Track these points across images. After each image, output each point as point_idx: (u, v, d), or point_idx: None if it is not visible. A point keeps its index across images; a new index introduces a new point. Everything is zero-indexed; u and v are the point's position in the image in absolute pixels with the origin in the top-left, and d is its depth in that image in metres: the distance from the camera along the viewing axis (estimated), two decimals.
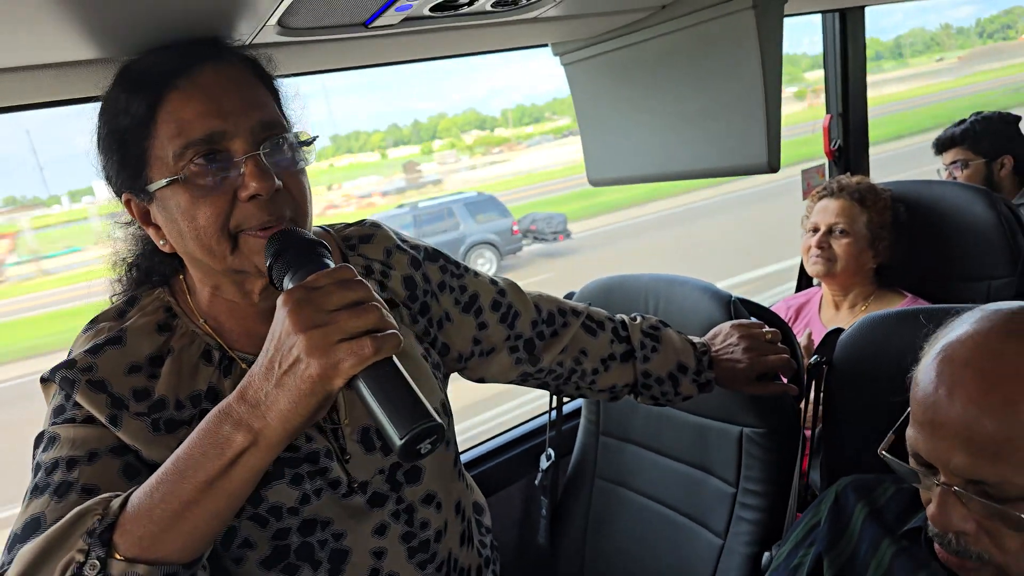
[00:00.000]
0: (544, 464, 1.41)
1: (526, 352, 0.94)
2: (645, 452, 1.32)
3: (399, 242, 0.86)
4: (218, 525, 0.59)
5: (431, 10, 0.85)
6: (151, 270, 0.75)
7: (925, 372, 0.67)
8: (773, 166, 1.10)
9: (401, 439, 0.54)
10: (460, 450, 1.55)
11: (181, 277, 0.75)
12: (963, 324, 0.67)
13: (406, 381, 0.56)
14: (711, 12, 1.07)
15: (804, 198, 1.82)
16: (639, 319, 1.03)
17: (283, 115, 0.70)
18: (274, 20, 0.72)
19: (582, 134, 1.40)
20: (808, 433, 1.07)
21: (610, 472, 1.37)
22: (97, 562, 0.55)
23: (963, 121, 2.10)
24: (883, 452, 0.71)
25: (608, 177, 1.41)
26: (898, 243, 1.55)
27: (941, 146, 2.12)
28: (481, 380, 0.98)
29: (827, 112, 2.07)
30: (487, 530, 0.96)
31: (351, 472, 0.75)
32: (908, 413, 0.70)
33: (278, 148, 0.66)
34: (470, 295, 0.90)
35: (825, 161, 2.08)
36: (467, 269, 0.92)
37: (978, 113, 2.11)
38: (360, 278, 0.59)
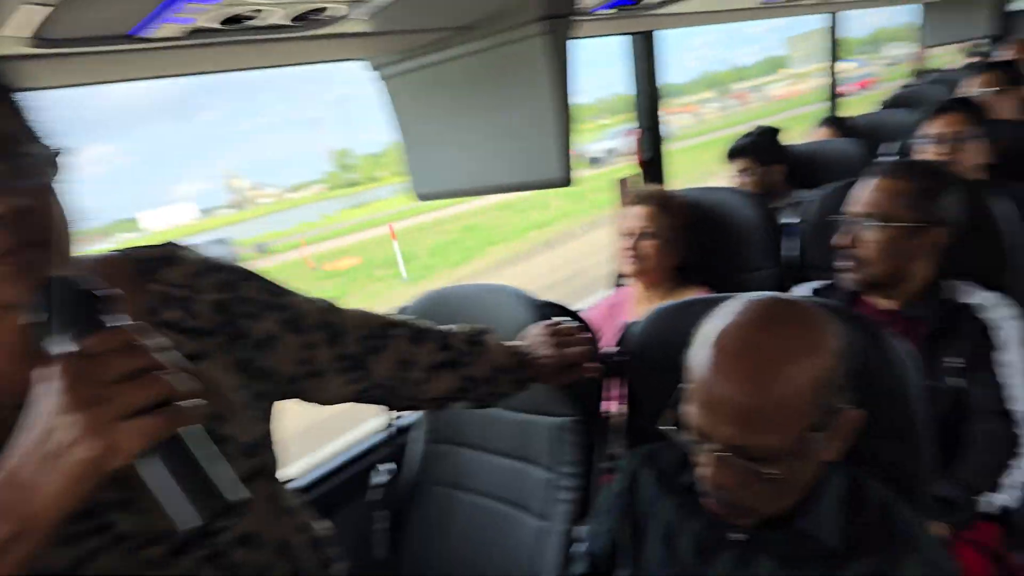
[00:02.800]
0: (381, 479, 1.43)
1: (357, 370, 0.93)
2: (475, 453, 1.39)
3: (207, 264, 0.80)
4: None
5: (223, 23, 0.84)
6: None
7: (700, 356, 0.79)
8: (566, 181, 1.21)
9: (186, 527, 0.50)
10: (291, 477, 1.53)
11: None
12: (727, 314, 0.80)
13: (195, 461, 0.52)
14: (505, 36, 1.16)
15: (621, 205, 2.00)
16: (461, 327, 1.08)
17: (26, 129, 0.61)
18: (27, 32, 0.67)
19: (405, 148, 1.44)
20: (610, 417, 1.20)
21: (444, 477, 1.43)
22: None
23: (749, 134, 2.40)
24: (664, 427, 0.83)
25: (431, 191, 1.47)
26: (692, 243, 1.76)
27: (732, 155, 2.40)
28: (319, 403, 0.94)
29: (638, 127, 2.29)
30: (331, 561, 0.92)
31: (145, 523, 0.65)
32: (682, 391, 0.82)
33: (17, 166, 0.58)
34: (294, 314, 0.86)
35: (638, 172, 2.30)
36: (286, 288, 0.88)
37: (759, 127, 2.42)
38: (143, 342, 0.52)
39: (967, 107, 1.96)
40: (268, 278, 0.87)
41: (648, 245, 1.71)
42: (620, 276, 2.07)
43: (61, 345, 0.52)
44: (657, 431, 1.07)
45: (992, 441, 1.26)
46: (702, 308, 0.92)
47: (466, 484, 1.40)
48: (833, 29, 3.33)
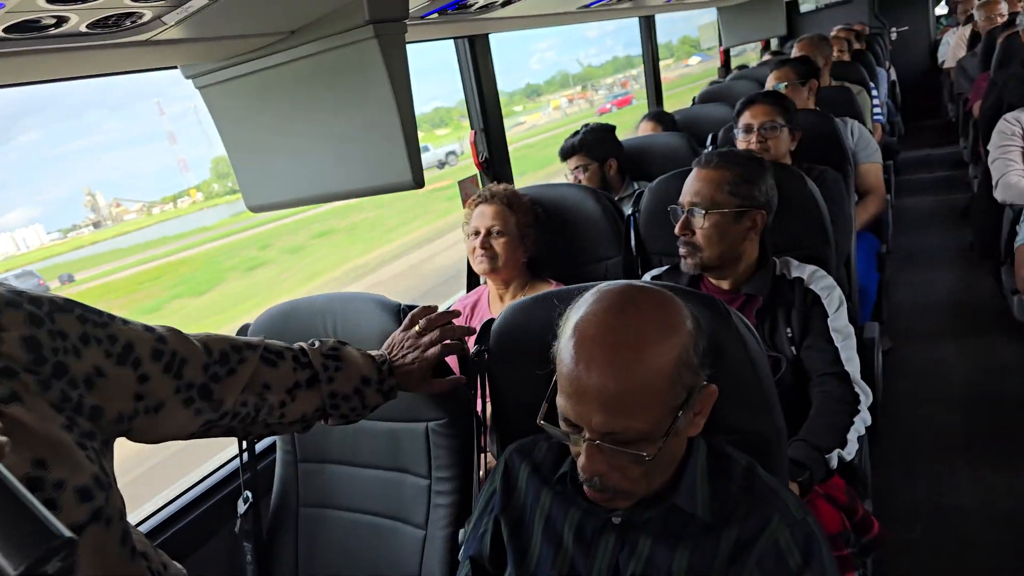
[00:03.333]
0: (242, 508, 1.32)
1: (203, 400, 0.86)
2: (345, 468, 1.33)
3: (11, 297, 0.71)
4: None
5: (6, 31, 0.74)
6: None
7: (565, 349, 0.80)
8: (418, 182, 1.20)
9: (17, 570, 0.45)
10: (144, 517, 1.38)
11: None
12: (585, 304, 0.82)
13: (15, 497, 0.47)
14: (338, 39, 1.12)
15: (464, 206, 2.01)
16: (317, 343, 1.03)
17: None
18: None
19: (231, 159, 1.35)
20: (480, 415, 1.20)
21: (313, 497, 1.36)
22: None
23: (578, 132, 2.52)
24: (540, 421, 0.84)
25: (265, 202, 1.39)
26: (540, 238, 1.81)
27: (565, 154, 2.50)
28: (158, 440, 0.86)
29: (471, 128, 2.32)
30: None
31: None
32: (555, 384, 0.83)
33: None
34: (123, 345, 0.78)
35: (477, 172, 2.33)
36: (112, 317, 0.80)
37: (587, 125, 2.55)
38: None
39: (774, 98, 2.15)
40: (91, 307, 0.78)
41: (498, 243, 1.74)
42: (471, 276, 2.09)
43: None
44: (524, 425, 1.10)
45: (832, 401, 1.37)
46: (555, 301, 0.94)
47: (337, 502, 1.34)
48: (651, 33, 3.61)
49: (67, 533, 0.47)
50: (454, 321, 1.16)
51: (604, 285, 0.86)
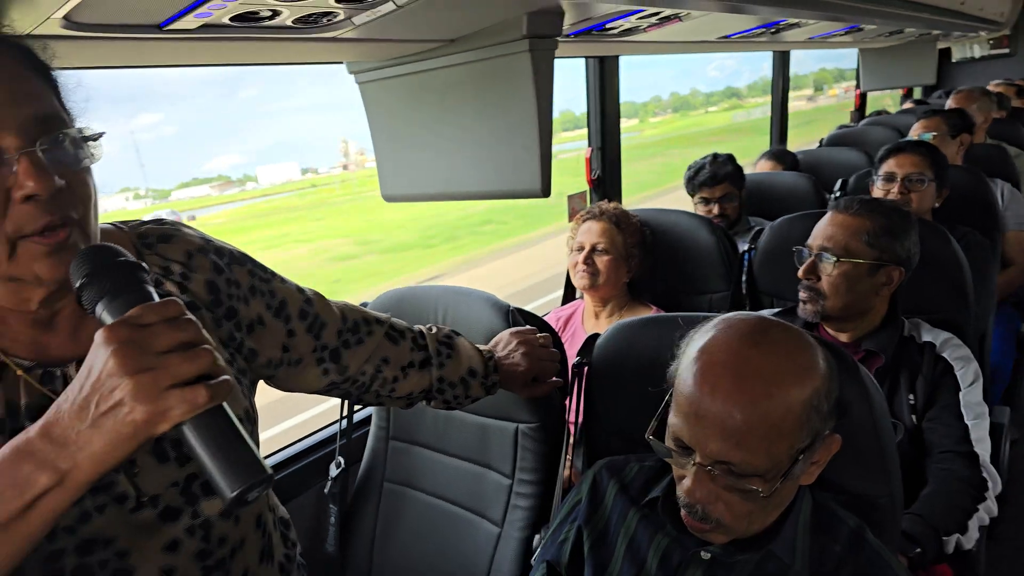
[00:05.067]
0: (334, 472, 1.42)
1: (333, 362, 0.95)
2: (431, 453, 1.40)
3: (202, 244, 0.82)
4: (10, 564, 0.55)
5: (232, 20, 0.85)
6: None
7: (688, 371, 0.79)
8: (545, 191, 1.25)
9: (232, 492, 0.53)
10: None
11: None
12: (715, 329, 0.81)
13: (238, 431, 0.55)
14: (493, 50, 1.19)
15: (570, 220, 2.04)
16: (435, 329, 1.10)
17: (64, 108, 0.65)
18: (59, 15, 0.68)
19: (376, 151, 1.45)
20: (571, 426, 1.23)
21: (398, 475, 1.43)
22: None
23: (714, 161, 2.32)
24: (649, 436, 0.84)
25: (400, 194, 1.48)
26: (645, 261, 1.82)
27: (710, 182, 2.28)
28: (290, 390, 0.97)
29: (588, 146, 2.36)
30: (293, 544, 0.94)
31: (140, 485, 0.70)
32: (668, 403, 0.83)
33: (58, 144, 0.61)
34: (279, 301, 0.89)
35: (587, 188, 2.36)
36: (274, 274, 0.91)
37: (717, 154, 2.39)
38: (190, 316, 0.56)
39: (928, 150, 2.00)
40: (259, 263, 0.89)
41: (601, 260, 1.75)
42: (567, 290, 2.11)
43: (110, 313, 0.56)
44: (614, 442, 1.12)
45: (956, 482, 1.27)
46: (663, 325, 0.96)
47: (419, 484, 1.40)
48: (784, 68, 3.51)
49: (270, 470, 0.55)
50: (560, 328, 1.20)
51: (735, 314, 0.84)
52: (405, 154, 1.43)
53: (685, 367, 0.81)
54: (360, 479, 1.47)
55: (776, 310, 1.60)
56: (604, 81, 2.26)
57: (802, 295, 1.43)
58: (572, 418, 1.21)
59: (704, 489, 0.78)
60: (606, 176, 2.36)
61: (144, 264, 0.61)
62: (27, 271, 0.61)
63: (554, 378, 1.20)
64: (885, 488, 0.92)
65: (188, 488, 0.74)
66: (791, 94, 3.67)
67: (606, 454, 1.05)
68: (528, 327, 1.21)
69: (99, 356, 0.53)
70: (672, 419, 0.81)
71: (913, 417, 1.35)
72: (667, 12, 1.56)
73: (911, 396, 1.36)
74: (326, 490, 1.42)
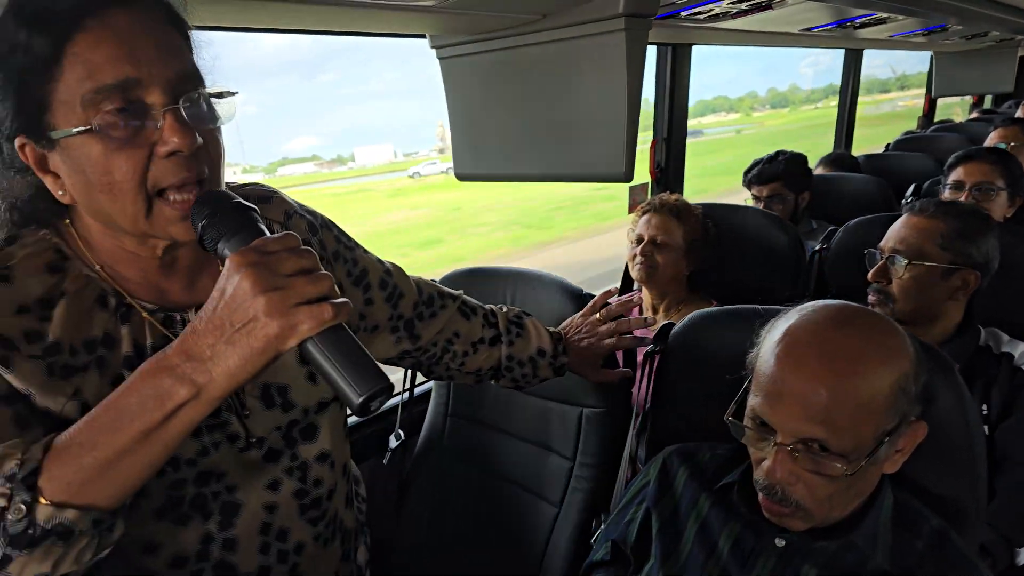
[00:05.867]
0: (393, 443, 1.43)
1: (407, 332, 0.98)
2: (491, 432, 1.41)
3: (296, 207, 0.85)
4: (150, 473, 0.60)
5: None
6: (34, 214, 0.68)
7: (770, 352, 0.80)
8: (628, 176, 1.24)
9: (361, 397, 0.57)
10: None
11: (67, 221, 0.69)
12: (798, 315, 0.81)
13: (358, 345, 0.59)
14: (587, 28, 1.17)
15: (630, 212, 2.01)
16: (505, 308, 1.11)
17: (198, 67, 0.67)
18: None
19: (452, 128, 1.45)
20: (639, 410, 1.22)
21: (457, 451, 1.44)
22: (23, 506, 0.55)
23: (774, 158, 2.29)
24: (728, 418, 0.83)
25: (474, 172, 1.48)
26: (707, 255, 1.78)
27: (760, 180, 2.28)
28: None
29: (654, 136, 2.32)
30: (363, 499, 0.99)
31: (249, 427, 0.75)
32: (747, 386, 0.83)
33: (196, 102, 0.63)
34: (361, 269, 0.91)
35: (648, 180, 2.33)
36: (357, 244, 0.93)
37: (783, 152, 2.35)
38: (308, 247, 0.60)
39: (999, 157, 1.96)
40: (344, 231, 0.92)
41: (660, 253, 1.72)
42: (625, 280, 2.08)
43: (232, 248, 0.60)
44: (680, 430, 1.11)
45: None
46: (742, 317, 0.94)
47: (478, 461, 1.41)
48: (855, 68, 3.41)
49: (390, 380, 0.59)
50: (634, 312, 1.19)
51: (819, 302, 0.84)
52: (484, 132, 1.42)
53: (767, 349, 0.81)
54: (418, 453, 1.49)
55: None
56: (676, 70, 2.22)
57: (871, 298, 1.40)
58: (639, 403, 1.20)
59: (785, 469, 0.78)
60: (669, 168, 2.32)
61: (255, 207, 0.64)
62: (162, 230, 0.64)
63: (624, 368, 1.20)
64: (970, 489, 0.90)
65: (289, 433, 0.79)
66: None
67: (673, 442, 1.04)
68: (600, 295, 1.20)
69: (231, 280, 0.57)
70: (753, 400, 0.81)
71: (986, 428, 1.31)
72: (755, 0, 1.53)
73: (984, 406, 1.32)
74: (384, 460, 1.44)
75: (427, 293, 1.01)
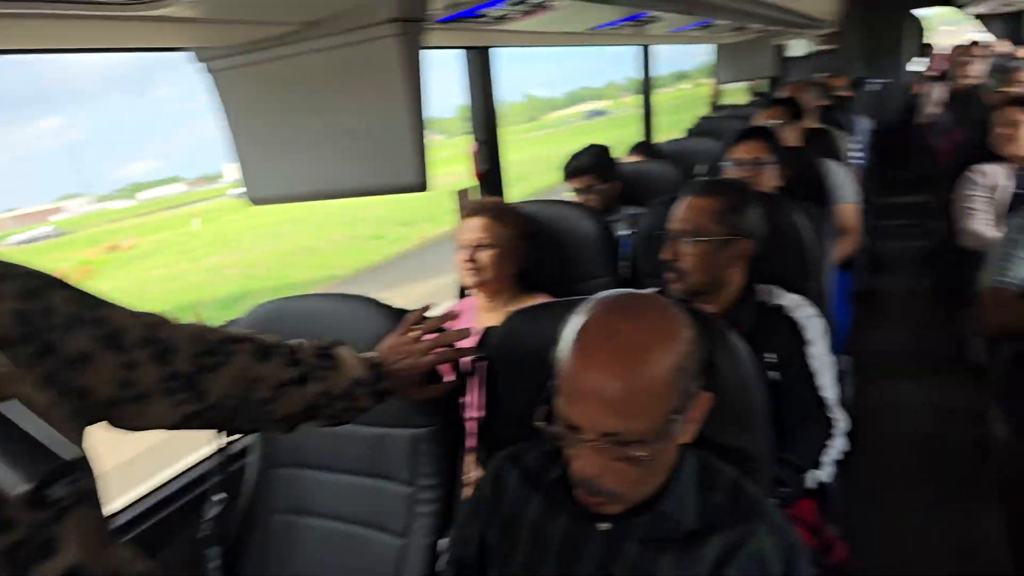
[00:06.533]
0: (211, 512, 1.28)
1: (188, 391, 0.83)
2: (321, 474, 1.30)
3: (6, 269, 0.69)
4: None
5: None
6: None
7: (568, 351, 0.82)
8: (422, 185, 1.19)
9: (16, 491, 0.45)
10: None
11: None
12: (589, 310, 0.84)
13: (18, 429, 0.48)
14: (357, 35, 1.11)
15: (461, 218, 2.00)
16: (311, 341, 1.02)
17: None
18: None
19: (237, 149, 1.33)
20: (472, 424, 1.19)
21: (286, 504, 1.32)
22: None
23: (584, 152, 2.45)
24: (538, 423, 0.84)
25: (269, 195, 1.36)
26: (530, 252, 1.81)
27: (575, 173, 2.43)
28: (140, 429, 0.83)
29: (474, 139, 2.32)
30: None
31: None
32: (552, 387, 0.84)
33: None
34: (111, 329, 0.76)
35: (475, 185, 2.33)
36: (102, 300, 0.77)
37: (592, 145, 2.49)
38: None
39: (765, 135, 2.23)
40: (83, 288, 0.76)
41: (486, 256, 1.73)
42: (462, 288, 2.08)
43: None
44: (517, 433, 1.09)
45: (811, 424, 1.44)
46: (557, 311, 0.95)
47: (312, 508, 1.30)
48: (646, 63, 3.68)
49: (73, 454, 0.48)
50: (451, 324, 1.16)
51: (606, 293, 0.88)
52: (270, 151, 1.31)
53: (564, 348, 0.83)
54: (241, 515, 1.34)
55: (655, 290, 1.66)
56: (484, 74, 2.24)
57: (668, 275, 1.52)
58: (471, 414, 1.18)
59: (593, 463, 0.81)
60: (491, 170, 2.34)
61: None
62: None
63: (448, 377, 1.16)
64: (757, 440, 1.00)
65: (13, 557, 0.58)
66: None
67: (510, 445, 1.02)
68: (412, 313, 1.15)
69: None
70: (558, 401, 0.83)
71: (773, 374, 1.46)
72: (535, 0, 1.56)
73: (770, 355, 1.47)
74: (204, 533, 1.28)
75: (209, 341, 0.87)
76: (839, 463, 1.47)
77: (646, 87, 3.73)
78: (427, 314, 1.16)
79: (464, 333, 1.15)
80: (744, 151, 2.18)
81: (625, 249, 1.96)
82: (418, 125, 1.15)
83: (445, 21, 1.61)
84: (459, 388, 1.19)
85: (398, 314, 1.21)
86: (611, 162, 2.50)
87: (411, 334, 1.11)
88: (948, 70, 5.09)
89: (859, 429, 2.47)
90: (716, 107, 4.99)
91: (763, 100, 3.52)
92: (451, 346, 1.17)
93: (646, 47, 3.61)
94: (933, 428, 2.61)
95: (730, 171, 2.20)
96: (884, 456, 2.45)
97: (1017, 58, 4.40)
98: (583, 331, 0.82)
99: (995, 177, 2.66)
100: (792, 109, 2.94)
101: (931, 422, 2.66)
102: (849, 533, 1.53)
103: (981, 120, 2.91)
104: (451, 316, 1.19)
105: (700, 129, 3.79)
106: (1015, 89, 3.43)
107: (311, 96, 1.22)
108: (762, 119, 2.86)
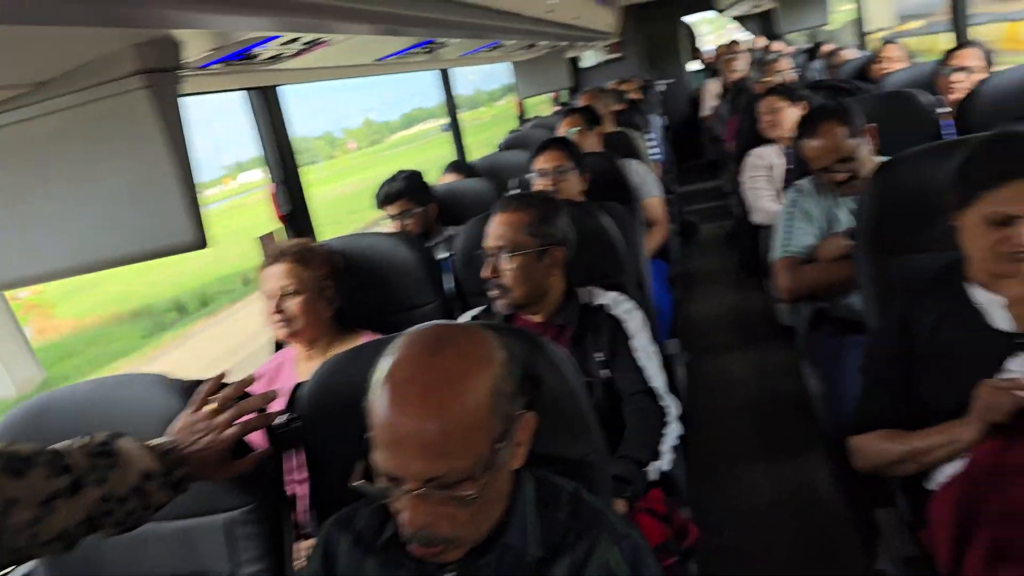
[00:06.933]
0: None
1: None
2: None
3: None
4: None
5: None
6: None
7: (379, 399, 0.76)
8: (200, 243, 1.09)
9: None
10: None
11: None
12: (396, 350, 0.79)
13: None
14: (101, 91, 1.00)
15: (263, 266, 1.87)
16: (82, 440, 0.88)
17: None
18: None
19: None
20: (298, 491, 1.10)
21: None
22: None
23: (395, 178, 2.44)
24: (355, 483, 0.79)
25: (18, 276, 1.18)
26: (343, 290, 1.72)
27: (387, 200, 2.41)
28: None
29: (272, 181, 2.20)
30: None
31: None
32: (369, 439, 0.78)
33: None
34: None
35: (279, 227, 2.20)
36: None
37: (402, 171, 2.49)
38: None
39: (564, 144, 2.34)
40: None
41: (294, 304, 1.62)
42: (277, 341, 1.95)
43: None
44: (348, 496, 1.02)
45: (645, 416, 1.48)
46: (372, 352, 0.90)
47: None
48: (446, 85, 3.74)
49: None
50: (252, 388, 1.06)
51: (413, 328, 0.84)
52: (14, 229, 1.14)
53: (376, 396, 0.78)
54: None
55: (480, 309, 1.67)
56: (271, 112, 2.13)
57: (492, 292, 1.55)
58: (294, 484, 1.09)
59: (422, 513, 0.76)
60: (295, 210, 2.22)
61: None
62: None
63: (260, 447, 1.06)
64: (591, 445, 1.01)
65: None
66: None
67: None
68: (206, 384, 1.04)
69: None
70: (376, 455, 0.77)
71: (604, 372, 1.53)
72: (309, 37, 1.50)
73: (599, 354, 1.54)
74: None
75: None
76: (677, 447, 1.54)
77: (451, 107, 3.78)
78: (226, 380, 1.06)
79: (270, 396, 1.06)
80: (546, 161, 2.28)
81: (449, 271, 1.95)
82: (187, 178, 1.05)
83: (212, 65, 1.50)
84: (274, 456, 1.09)
85: (190, 387, 1.09)
86: (424, 185, 2.50)
87: (207, 408, 1.00)
88: (717, 66, 5.70)
89: (695, 407, 2.67)
90: (523, 120, 5.20)
91: (565, 109, 3.71)
92: (263, 410, 1.08)
93: (445, 71, 3.66)
94: (759, 392, 2.85)
95: (537, 182, 2.27)
96: (721, 427, 2.64)
97: (771, 52, 5.03)
98: (391, 374, 0.77)
99: (769, 158, 3.00)
100: (589, 116, 3.12)
101: (756, 387, 2.90)
102: (698, 513, 1.62)
103: (750, 109, 3.29)
104: (250, 381, 1.08)
105: (509, 143, 3.92)
106: (772, 79, 3.90)
107: (58, 161, 1.07)
108: (563, 128, 3.00)
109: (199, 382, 1.06)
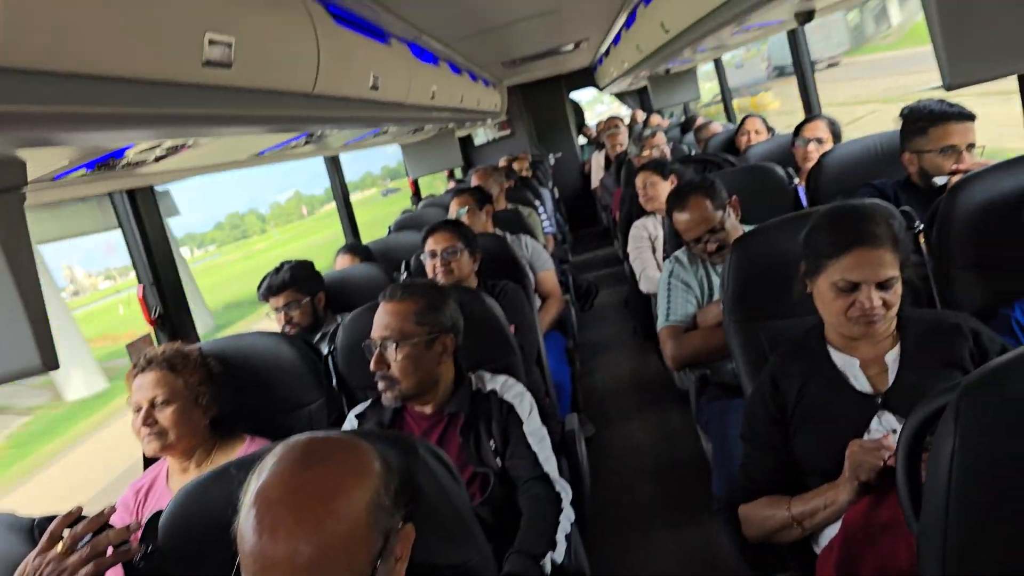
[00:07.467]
0: None
1: None
2: None
3: None
4: None
5: None
6: None
7: (246, 522, 0.71)
8: (52, 363, 1.01)
9: None
10: None
11: None
12: (267, 467, 0.74)
13: None
14: None
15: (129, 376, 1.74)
16: None
17: None
18: None
19: None
20: None
21: None
22: None
23: (280, 269, 2.36)
24: None
25: None
26: (220, 395, 1.62)
27: (272, 292, 2.32)
28: None
29: (139, 283, 2.09)
30: None
31: None
32: (237, 569, 0.72)
33: None
34: None
35: (150, 331, 2.08)
36: None
37: (287, 261, 2.41)
38: None
39: (454, 226, 2.36)
40: None
41: (165, 414, 1.51)
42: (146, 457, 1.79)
43: None
44: None
45: (539, 505, 1.42)
46: (237, 472, 0.84)
47: None
48: (338, 171, 3.74)
49: None
50: (115, 518, 0.97)
51: (286, 441, 0.80)
52: None
53: (244, 519, 0.73)
54: None
55: (366, 404, 1.62)
56: (140, 214, 2.04)
57: (380, 385, 1.50)
58: None
59: None
60: (169, 312, 2.11)
61: None
62: None
63: None
64: (474, 549, 0.98)
65: None
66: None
67: None
68: (55, 522, 0.94)
69: None
70: None
71: (499, 460, 1.50)
72: (169, 143, 1.46)
73: (492, 442, 1.51)
74: None
75: None
76: (575, 530, 1.50)
77: (344, 193, 3.78)
78: (82, 514, 0.96)
79: (132, 527, 0.97)
80: (436, 243, 2.30)
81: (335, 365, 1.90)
82: (34, 298, 0.98)
83: (69, 175, 1.43)
84: None
85: (42, 524, 0.98)
86: (313, 274, 2.43)
87: (58, 548, 0.91)
88: (601, 139, 6.05)
89: (599, 477, 2.66)
90: (417, 199, 5.26)
91: (455, 189, 3.79)
92: (125, 543, 0.98)
93: (333, 158, 3.67)
94: (660, 458, 2.87)
95: (428, 264, 2.28)
96: (628, 495, 2.64)
97: (649, 126, 5.40)
98: (261, 494, 0.72)
99: (651, 228, 3.17)
100: (479, 195, 3.19)
101: (658, 452, 2.92)
102: None
103: (631, 181, 3.47)
104: (108, 513, 0.99)
105: (403, 223, 3.93)
106: (651, 153, 4.17)
107: None
108: (456, 207, 3.04)
109: (50, 519, 0.96)
